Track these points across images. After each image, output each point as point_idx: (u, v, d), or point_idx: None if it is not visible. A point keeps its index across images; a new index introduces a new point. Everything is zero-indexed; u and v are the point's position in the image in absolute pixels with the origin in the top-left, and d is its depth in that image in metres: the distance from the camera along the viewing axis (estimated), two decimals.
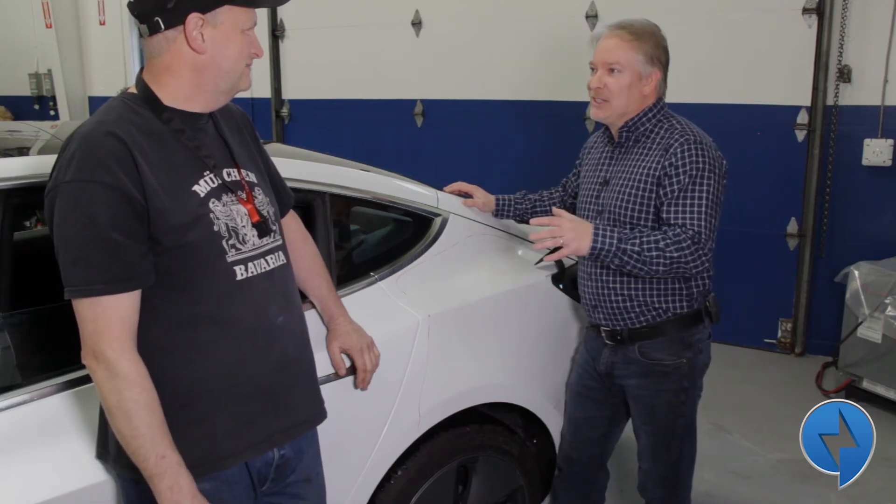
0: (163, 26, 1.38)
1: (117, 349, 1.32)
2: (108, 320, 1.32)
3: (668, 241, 1.90)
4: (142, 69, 1.47)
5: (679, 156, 1.96)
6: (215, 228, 1.41)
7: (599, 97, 2.05)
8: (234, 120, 1.60)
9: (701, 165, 1.95)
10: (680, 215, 1.94)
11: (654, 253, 1.90)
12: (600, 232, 1.92)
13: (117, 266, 1.32)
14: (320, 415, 1.64)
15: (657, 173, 1.98)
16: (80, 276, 1.31)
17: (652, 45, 2.02)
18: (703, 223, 1.92)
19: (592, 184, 2.17)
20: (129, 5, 1.43)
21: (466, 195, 2.36)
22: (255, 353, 1.47)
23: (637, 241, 1.91)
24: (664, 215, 1.97)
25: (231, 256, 1.43)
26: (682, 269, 1.92)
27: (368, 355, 1.82)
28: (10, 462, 1.46)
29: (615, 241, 1.91)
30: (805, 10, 4.23)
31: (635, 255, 1.90)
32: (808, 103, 4.31)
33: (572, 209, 2.34)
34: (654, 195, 1.99)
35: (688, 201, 1.94)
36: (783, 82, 4.36)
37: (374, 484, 1.99)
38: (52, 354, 1.74)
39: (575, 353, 2.44)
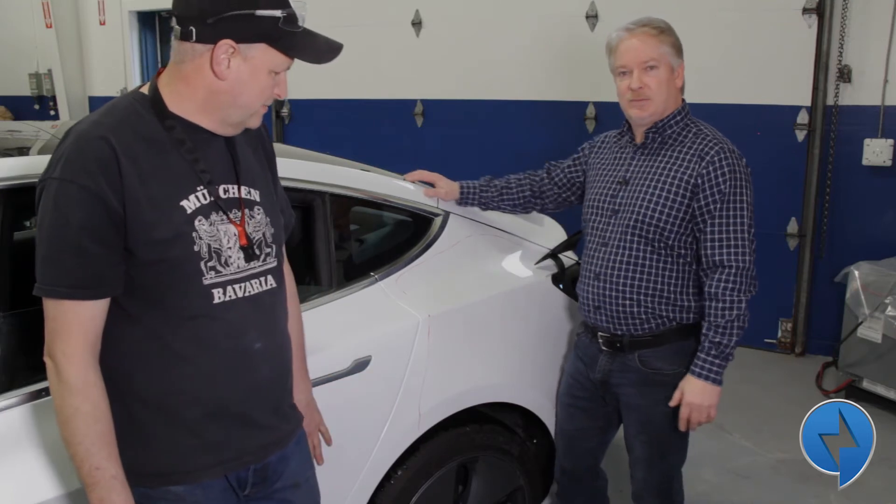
0: (194, 37, 1.33)
1: (67, 354, 1.30)
2: (67, 324, 1.30)
3: (726, 303, 1.97)
4: (160, 70, 1.43)
5: (717, 165, 1.96)
6: (195, 248, 1.36)
7: (641, 97, 2.01)
8: (251, 132, 1.53)
9: (738, 176, 1.97)
10: (724, 252, 1.97)
11: (732, 321, 1.97)
12: (699, 367, 1.99)
13: (83, 273, 1.29)
14: (293, 430, 1.58)
15: (692, 181, 1.97)
16: (48, 276, 1.30)
17: (674, 37, 2.03)
18: (745, 254, 1.97)
19: (608, 183, 2.12)
20: (175, 2, 1.37)
21: (429, 184, 2.29)
22: (226, 376, 1.42)
23: (717, 333, 1.97)
24: (706, 244, 1.98)
25: (208, 279, 1.38)
26: (750, 295, 1.99)
27: (309, 441, 1.71)
28: (10, 462, 1.46)
29: (713, 354, 1.98)
30: (805, 10, 4.23)
31: (732, 339, 1.99)
32: (809, 103, 4.31)
33: (558, 200, 2.32)
34: (685, 201, 1.98)
35: (728, 230, 1.97)
36: (783, 82, 4.36)
37: (374, 484, 1.99)
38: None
39: (564, 360, 2.41)
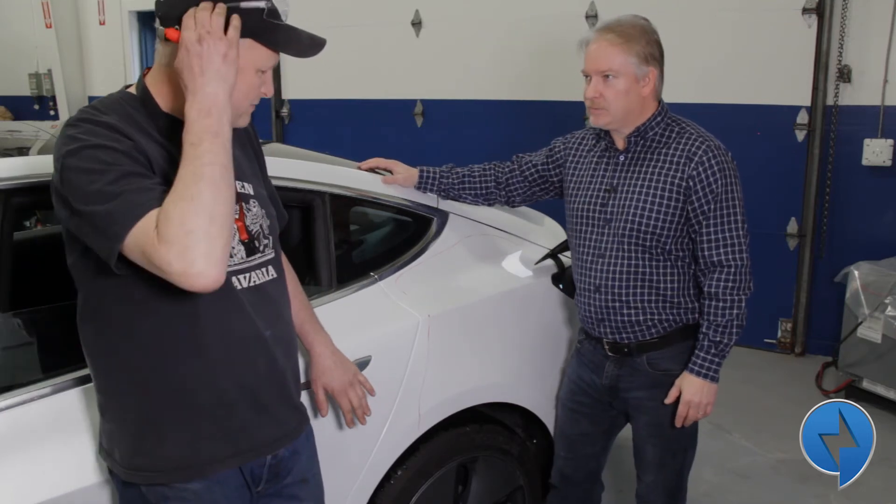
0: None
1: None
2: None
3: (726, 302, 1.97)
4: (146, 71, 1.43)
5: (707, 165, 1.94)
6: None
7: (596, 106, 1.97)
8: (238, 129, 1.52)
9: (728, 174, 1.95)
10: (722, 252, 1.96)
11: (732, 320, 1.98)
12: (698, 365, 2.00)
13: (150, 191, 1.22)
14: (302, 424, 1.60)
15: (683, 183, 1.94)
16: (121, 215, 1.19)
17: (643, 43, 1.92)
18: (742, 251, 1.97)
19: (594, 191, 2.07)
20: (157, 4, 1.36)
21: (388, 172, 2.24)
22: (242, 362, 1.44)
23: (716, 332, 1.99)
24: (703, 245, 1.97)
25: None
26: (749, 293, 2.01)
27: (353, 392, 1.75)
28: (10, 462, 1.47)
29: (712, 352, 1.99)
30: (805, 10, 4.23)
31: (732, 337, 2.00)
32: (808, 103, 4.31)
33: (526, 195, 2.28)
34: (679, 205, 1.96)
35: (724, 230, 1.96)
36: (783, 82, 4.36)
37: (374, 484, 1.99)
38: (53, 355, 1.75)
39: (565, 364, 2.39)
